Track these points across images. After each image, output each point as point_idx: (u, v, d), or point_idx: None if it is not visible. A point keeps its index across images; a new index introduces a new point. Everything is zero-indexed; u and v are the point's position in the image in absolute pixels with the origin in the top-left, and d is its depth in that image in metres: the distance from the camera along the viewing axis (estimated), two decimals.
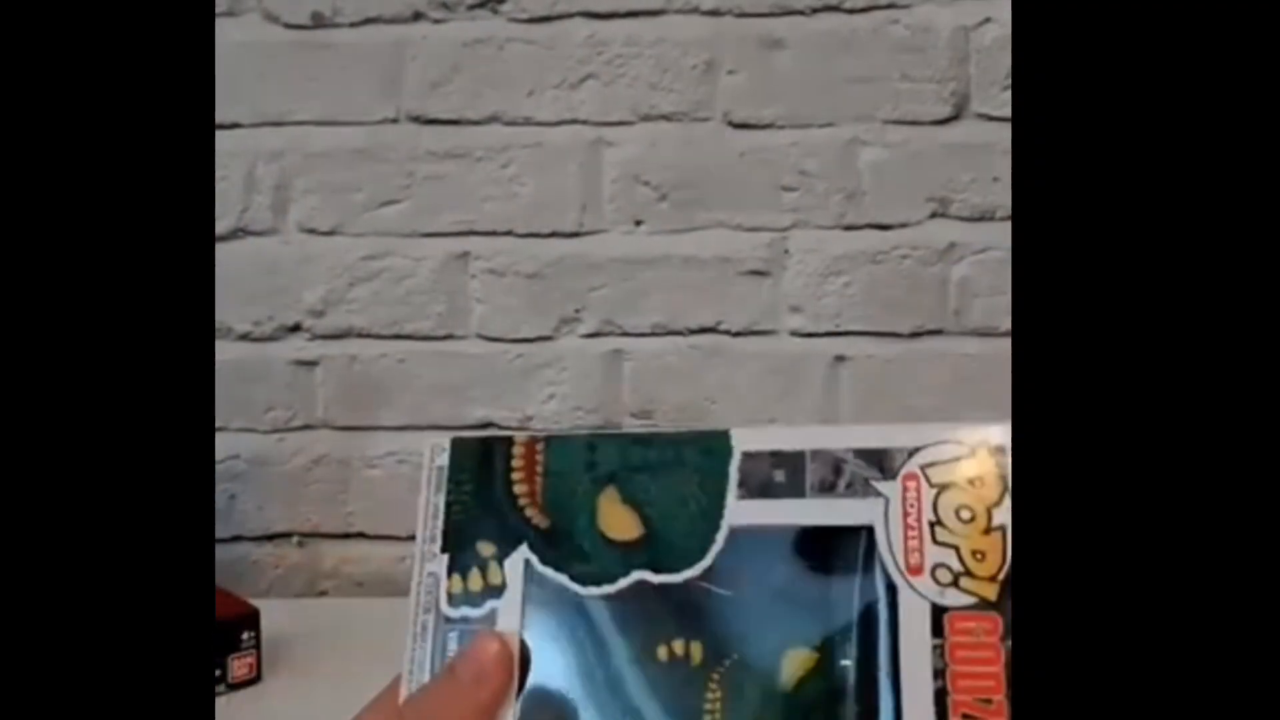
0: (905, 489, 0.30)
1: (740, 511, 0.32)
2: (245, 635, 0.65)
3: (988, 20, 0.78)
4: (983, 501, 0.30)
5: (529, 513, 0.34)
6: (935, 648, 0.28)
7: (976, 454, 0.30)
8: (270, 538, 0.84)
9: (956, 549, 0.29)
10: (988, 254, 0.79)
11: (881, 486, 0.30)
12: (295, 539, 0.84)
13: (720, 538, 0.32)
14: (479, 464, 0.36)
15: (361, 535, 0.83)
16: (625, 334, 0.81)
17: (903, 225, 0.79)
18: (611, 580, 0.32)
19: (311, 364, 0.83)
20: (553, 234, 0.81)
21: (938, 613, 0.29)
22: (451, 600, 0.34)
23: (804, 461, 0.32)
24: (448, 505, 0.37)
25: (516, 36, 0.80)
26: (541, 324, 0.81)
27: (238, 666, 0.65)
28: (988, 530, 0.29)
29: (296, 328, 0.82)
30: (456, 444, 0.37)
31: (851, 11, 0.78)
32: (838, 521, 0.30)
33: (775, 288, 0.80)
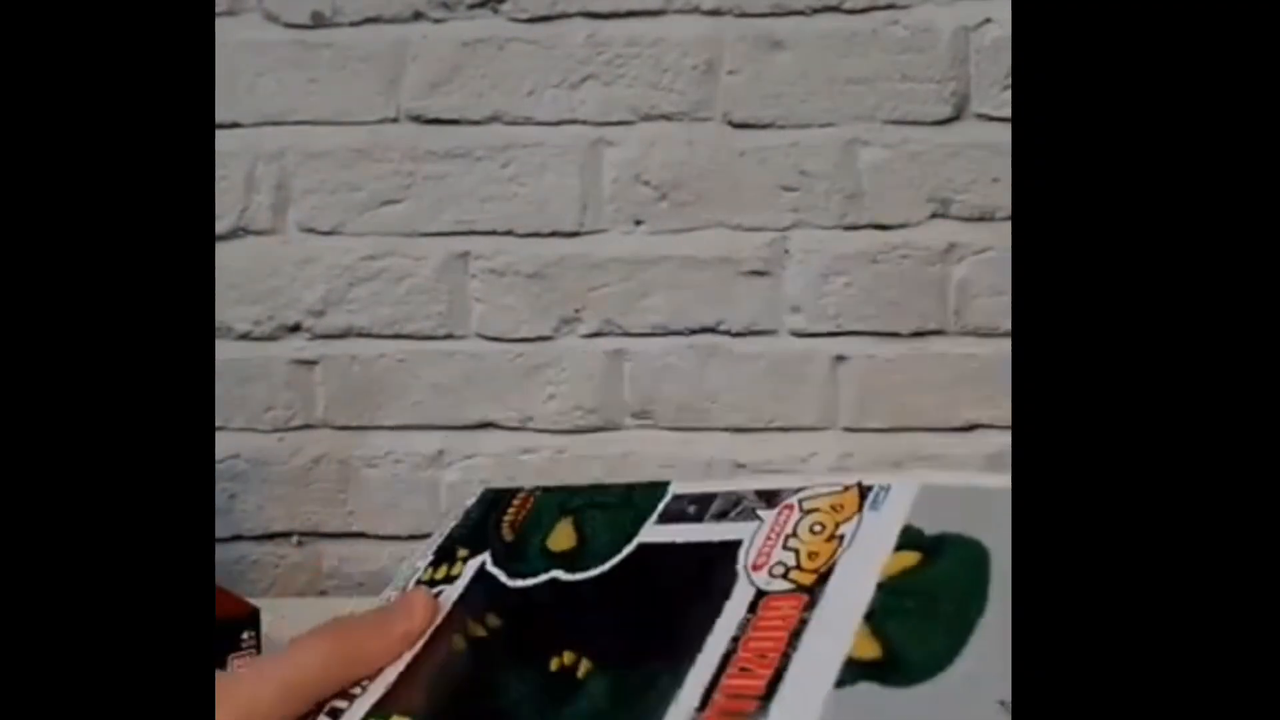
0: (780, 514, 0.35)
1: (650, 532, 0.38)
2: (245, 635, 0.65)
3: (988, 20, 0.78)
4: (835, 519, 0.34)
5: (504, 532, 0.42)
6: (743, 621, 0.32)
7: (848, 490, 0.35)
8: (270, 537, 0.84)
9: (797, 551, 0.34)
10: (988, 254, 0.79)
11: (763, 513, 0.36)
12: (295, 539, 0.84)
13: (628, 549, 0.38)
14: (490, 504, 0.44)
15: (361, 535, 0.83)
16: (625, 334, 0.81)
17: (903, 225, 0.79)
18: (533, 575, 0.39)
19: (311, 364, 0.83)
20: (553, 234, 0.81)
21: (759, 596, 0.33)
22: (419, 584, 0.41)
23: (713, 499, 0.38)
24: (453, 529, 0.44)
25: (516, 36, 0.80)
26: (541, 324, 0.81)
27: (238, 666, 0.65)
28: (830, 539, 0.34)
29: (296, 327, 0.82)
30: (485, 491, 0.45)
31: (851, 12, 0.78)
32: (713, 538, 0.36)
33: (775, 288, 0.80)
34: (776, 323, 0.81)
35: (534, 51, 0.80)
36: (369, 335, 0.82)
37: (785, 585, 0.33)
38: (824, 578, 0.32)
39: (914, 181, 0.79)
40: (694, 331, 0.81)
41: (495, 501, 0.44)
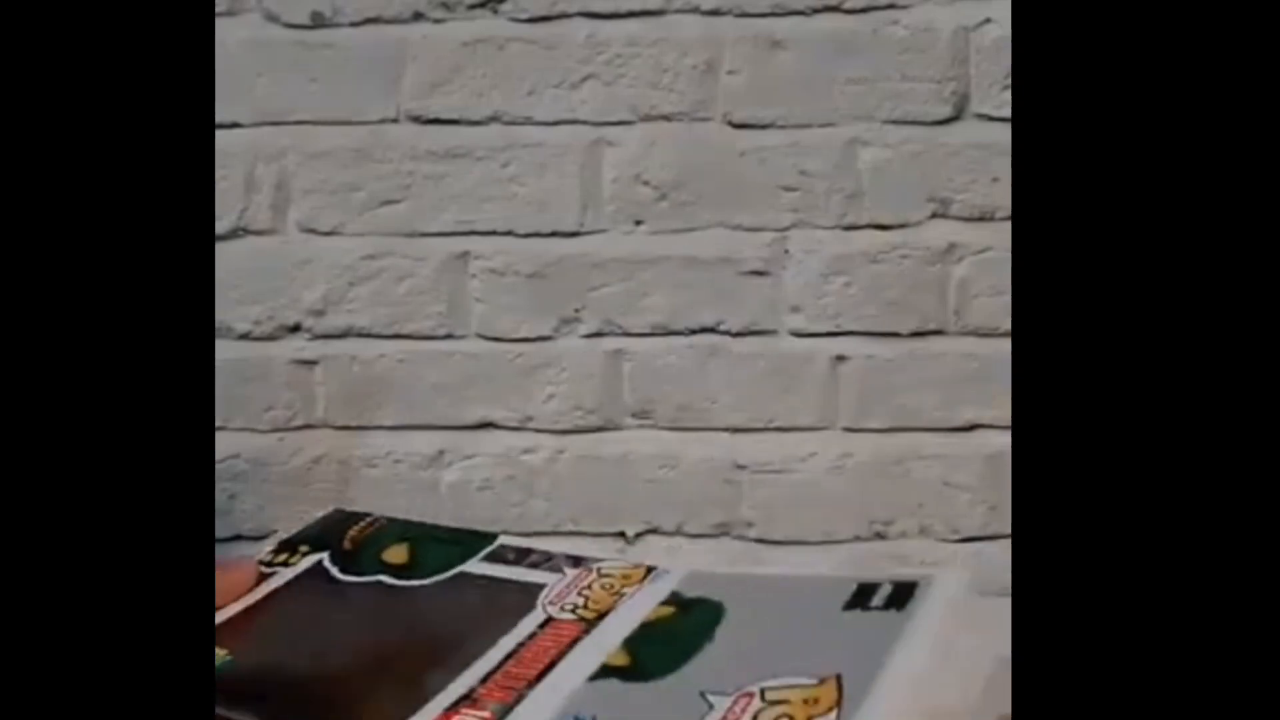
0: (581, 573, 0.45)
1: (473, 566, 0.47)
2: None
3: (988, 20, 0.78)
4: (622, 583, 0.45)
5: (345, 543, 0.50)
6: (530, 635, 0.42)
7: (638, 568, 0.46)
8: (270, 537, 0.84)
9: (587, 598, 0.44)
10: (988, 254, 0.79)
11: (568, 570, 0.46)
12: None
13: (450, 573, 0.47)
14: (339, 520, 0.53)
15: None
16: (625, 334, 0.81)
17: (903, 225, 0.79)
18: (361, 575, 0.47)
19: (311, 364, 0.83)
20: (553, 234, 0.81)
21: (547, 621, 0.42)
22: (261, 563, 0.50)
23: (531, 553, 0.48)
24: (299, 531, 0.52)
25: (516, 36, 0.80)
26: (541, 324, 0.81)
27: None
28: (614, 594, 0.44)
29: (296, 328, 0.82)
30: (335, 510, 0.55)
31: (851, 12, 0.78)
32: (523, 579, 0.46)
33: (775, 288, 0.80)
34: (776, 323, 0.81)
35: (534, 51, 0.80)
36: (369, 335, 0.82)
37: (570, 616, 0.42)
38: (602, 616, 0.42)
39: (914, 181, 0.79)
40: (694, 331, 0.81)
41: (343, 520, 0.53)
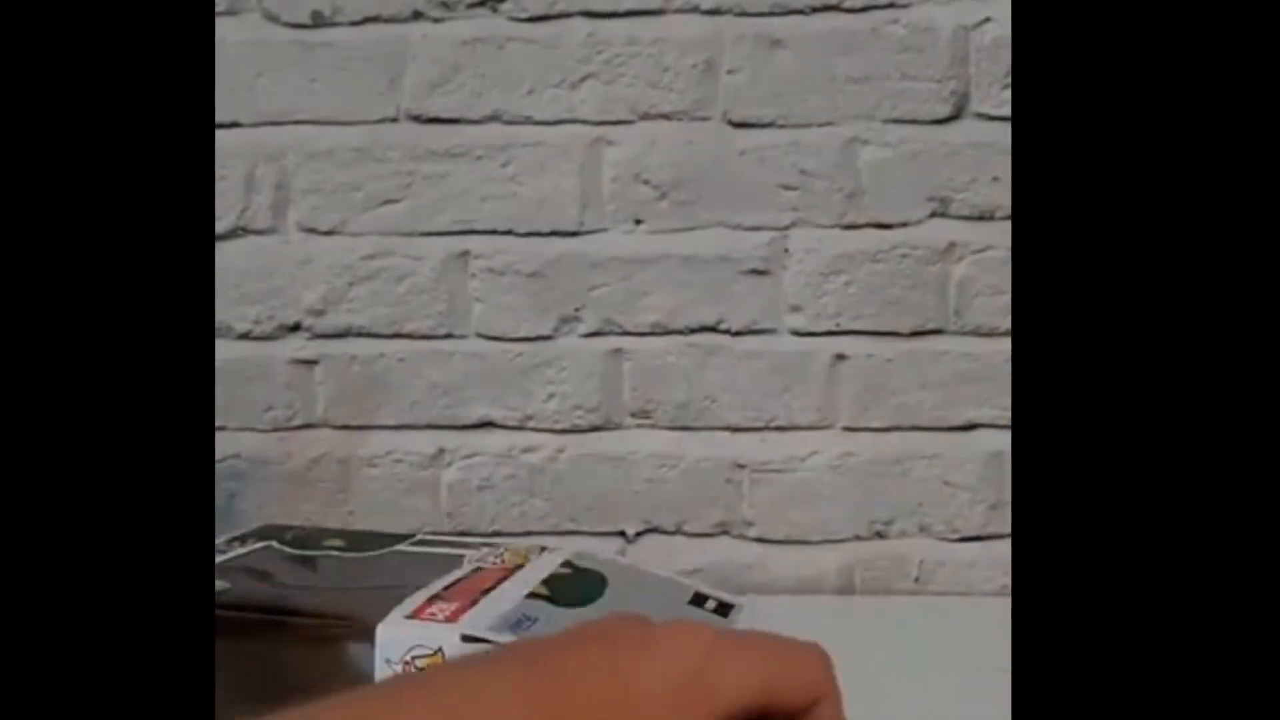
0: (494, 551, 0.59)
1: (404, 546, 0.60)
2: None
3: (988, 20, 0.78)
4: (525, 557, 0.58)
5: (287, 536, 0.62)
6: (467, 573, 0.54)
7: (531, 549, 0.59)
8: None
9: (504, 558, 0.57)
10: (988, 254, 0.79)
11: (483, 550, 0.59)
12: None
13: (386, 550, 0.60)
14: (272, 530, 0.63)
15: None
16: (625, 333, 0.81)
17: (903, 225, 0.79)
18: (314, 550, 0.59)
19: (311, 363, 0.83)
20: (553, 233, 0.81)
21: (476, 570, 0.55)
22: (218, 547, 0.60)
23: (450, 542, 0.61)
24: (245, 532, 0.63)
25: (516, 36, 0.80)
26: (541, 323, 0.81)
27: None
28: (523, 561, 0.57)
29: (296, 327, 0.82)
30: (267, 526, 0.65)
31: (851, 11, 0.78)
32: (449, 552, 0.58)
33: (775, 287, 0.80)
34: (776, 322, 0.81)
35: (534, 51, 0.80)
36: (369, 335, 0.82)
37: (495, 564, 0.56)
38: (518, 569, 0.55)
39: (914, 181, 0.79)
40: (694, 330, 0.81)
41: (278, 527, 0.64)
